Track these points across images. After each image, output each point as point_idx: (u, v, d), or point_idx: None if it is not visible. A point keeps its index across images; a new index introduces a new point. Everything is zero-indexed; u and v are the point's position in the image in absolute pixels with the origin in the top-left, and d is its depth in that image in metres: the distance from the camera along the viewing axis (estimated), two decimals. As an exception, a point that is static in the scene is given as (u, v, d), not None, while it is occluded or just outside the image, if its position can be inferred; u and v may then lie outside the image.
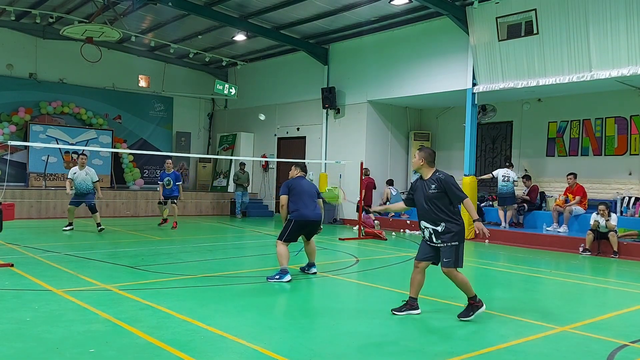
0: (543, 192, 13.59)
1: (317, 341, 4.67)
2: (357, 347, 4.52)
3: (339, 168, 15.62)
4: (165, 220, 13.26)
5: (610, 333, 5.10)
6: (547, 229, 12.38)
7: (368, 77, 15.45)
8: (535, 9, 11.43)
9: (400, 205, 6.09)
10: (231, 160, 18.86)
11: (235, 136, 19.55)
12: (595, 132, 13.21)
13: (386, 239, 12.22)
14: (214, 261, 9.05)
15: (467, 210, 5.39)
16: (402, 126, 16.64)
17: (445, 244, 5.27)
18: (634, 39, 10.21)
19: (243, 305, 5.79)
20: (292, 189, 7.34)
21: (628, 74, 10.42)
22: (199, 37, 16.57)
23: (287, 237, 7.26)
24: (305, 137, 17.45)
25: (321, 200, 7.58)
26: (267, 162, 18.50)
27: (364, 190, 14.30)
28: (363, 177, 14.26)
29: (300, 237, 7.51)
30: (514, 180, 12.89)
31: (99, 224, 11.61)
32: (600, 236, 10.63)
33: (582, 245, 10.86)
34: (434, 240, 5.33)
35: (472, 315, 5.29)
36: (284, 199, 7.35)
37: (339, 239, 12.15)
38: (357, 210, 14.53)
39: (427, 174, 5.43)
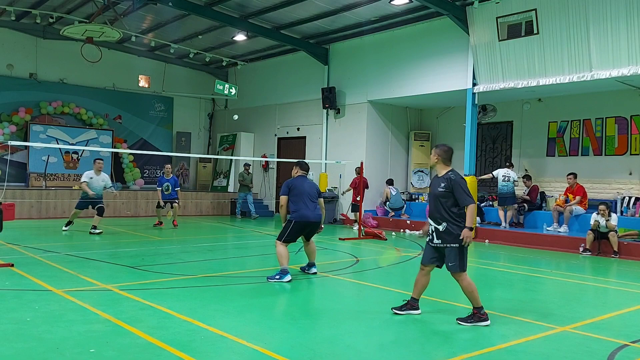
0: (543, 192, 13.59)
1: (317, 341, 4.67)
2: (357, 347, 4.51)
3: (339, 168, 15.62)
4: (160, 223, 13.33)
5: (611, 333, 5.10)
6: (548, 229, 12.38)
7: (368, 77, 15.45)
8: (535, 9, 11.43)
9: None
10: (231, 160, 18.87)
11: (235, 136, 19.55)
12: (595, 132, 13.21)
13: (386, 239, 12.22)
14: (215, 261, 9.05)
15: (467, 215, 5.24)
16: (403, 126, 16.64)
17: (445, 245, 5.24)
18: (634, 38, 10.21)
19: (243, 306, 5.79)
20: (293, 189, 7.32)
21: (628, 74, 10.42)
22: (199, 37, 16.58)
23: (287, 237, 7.26)
24: (305, 137, 17.45)
25: (322, 199, 7.58)
26: (267, 162, 18.50)
27: (353, 189, 14.55)
28: (355, 176, 14.50)
29: (300, 237, 7.51)
30: (514, 180, 12.89)
31: (95, 227, 11.54)
32: (601, 236, 10.63)
33: (583, 245, 10.86)
34: (435, 239, 5.32)
35: (471, 323, 5.21)
36: (283, 199, 7.34)
37: (339, 238, 12.15)
38: (353, 210, 14.67)
39: (441, 171, 5.41)
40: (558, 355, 4.44)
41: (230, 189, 19.12)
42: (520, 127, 14.67)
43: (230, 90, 17.71)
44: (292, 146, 17.88)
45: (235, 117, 15.36)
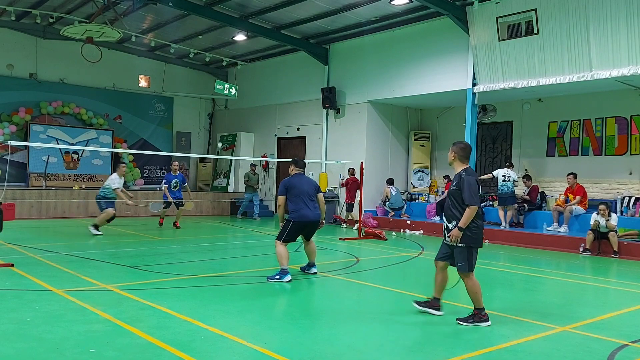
0: (543, 192, 13.59)
1: (317, 341, 4.67)
2: (358, 347, 4.52)
3: (339, 168, 15.62)
4: (162, 219, 13.32)
5: (611, 333, 5.11)
6: (548, 228, 12.38)
7: (368, 77, 15.45)
8: (535, 9, 11.43)
9: None
10: (231, 160, 18.87)
11: (235, 136, 19.55)
12: (595, 132, 13.21)
13: (386, 239, 12.22)
14: (215, 261, 9.05)
15: (464, 214, 5.18)
16: (403, 126, 16.64)
17: (455, 245, 5.23)
18: (634, 38, 10.21)
19: (244, 305, 5.79)
20: (290, 189, 7.29)
21: (628, 74, 10.42)
22: (199, 37, 16.58)
23: (286, 237, 7.25)
24: (305, 137, 17.45)
25: (321, 195, 7.54)
26: (267, 162, 18.50)
27: (344, 188, 14.78)
28: (348, 177, 14.77)
29: (300, 237, 7.51)
30: (514, 180, 12.89)
31: (97, 226, 11.48)
32: (601, 236, 10.64)
33: (583, 245, 10.86)
34: (446, 237, 5.35)
35: (471, 323, 5.20)
36: (281, 199, 7.31)
37: (339, 238, 12.15)
38: (347, 210, 14.80)
39: (457, 169, 5.42)
40: (558, 355, 4.44)
41: (230, 189, 19.12)
42: (520, 127, 14.67)
43: (230, 90, 17.72)
44: (292, 146, 17.88)
45: (220, 145, 14.57)
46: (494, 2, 12.03)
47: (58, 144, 16.71)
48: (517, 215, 13.15)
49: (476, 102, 13.15)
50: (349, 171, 14.97)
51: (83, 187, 16.80)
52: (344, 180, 15.11)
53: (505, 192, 12.86)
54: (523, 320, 5.48)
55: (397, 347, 4.54)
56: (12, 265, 7.36)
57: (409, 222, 14.43)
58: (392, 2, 13.04)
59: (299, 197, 7.24)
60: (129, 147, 18.30)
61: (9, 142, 9.63)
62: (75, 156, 17.31)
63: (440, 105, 16.00)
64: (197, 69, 20.19)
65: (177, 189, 13.05)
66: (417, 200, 16.12)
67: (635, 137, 12.56)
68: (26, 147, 16.06)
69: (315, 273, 7.60)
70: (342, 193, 15.70)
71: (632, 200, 11.91)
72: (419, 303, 5.63)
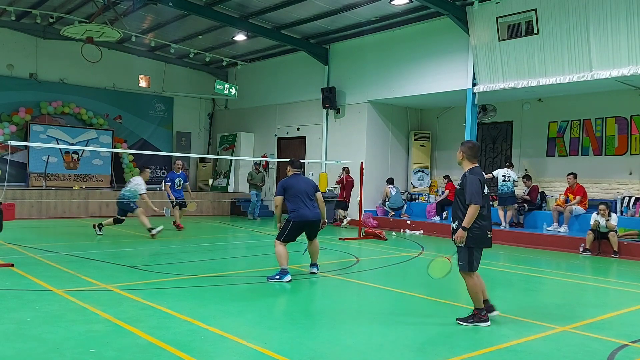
0: (543, 192, 13.59)
1: (317, 341, 4.67)
2: (358, 347, 4.52)
3: (339, 168, 15.62)
4: (177, 222, 13.11)
5: (611, 333, 5.11)
6: (548, 228, 12.38)
7: (368, 77, 15.45)
8: (535, 9, 11.44)
9: None
10: (231, 160, 18.87)
11: (235, 136, 19.55)
12: (595, 132, 13.21)
13: (386, 239, 12.22)
14: (215, 261, 9.06)
15: (465, 215, 5.18)
16: (403, 126, 16.64)
17: (460, 244, 5.21)
18: (634, 38, 10.21)
19: (244, 305, 5.79)
20: (288, 189, 7.29)
21: (628, 74, 10.42)
22: (200, 37, 16.58)
23: (286, 237, 7.25)
24: (305, 137, 17.45)
25: (320, 194, 7.53)
26: (267, 162, 18.50)
27: (339, 186, 14.92)
28: (342, 175, 14.93)
29: (299, 236, 7.50)
30: (514, 180, 12.89)
31: (102, 227, 11.48)
32: (601, 236, 10.64)
33: (583, 245, 10.86)
34: (452, 236, 5.33)
35: (471, 323, 5.19)
36: (278, 199, 7.32)
37: (339, 238, 12.15)
38: (337, 207, 14.92)
39: (466, 168, 5.41)
40: (558, 355, 4.44)
41: (230, 189, 19.12)
42: (520, 127, 14.67)
43: (230, 90, 17.73)
44: (292, 146, 17.88)
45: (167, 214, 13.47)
46: (494, 2, 12.03)
47: (58, 144, 16.71)
48: (517, 215, 13.16)
49: (476, 102, 13.15)
50: (343, 170, 15.10)
51: (83, 187, 16.81)
52: (339, 178, 15.23)
53: (505, 192, 12.86)
54: (523, 320, 5.48)
55: (397, 347, 4.54)
56: (12, 265, 7.36)
57: (409, 222, 14.44)
58: (392, 2, 13.05)
59: (297, 197, 7.24)
60: (129, 147, 18.30)
61: (9, 142, 9.63)
62: (75, 156, 17.32)
63: (440, 105, 16.00)
64: (197, 69, 20.19)
65: (180, 187, 13.01)
66: (417, 200, 16.12)
67: (635, 137, 12.56)
68: (26, 147, 16.06)
69: (315, 273, 7.60)
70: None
71: (632, 200, 11.91)
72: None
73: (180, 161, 13.69)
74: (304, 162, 16.24)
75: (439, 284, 6.35)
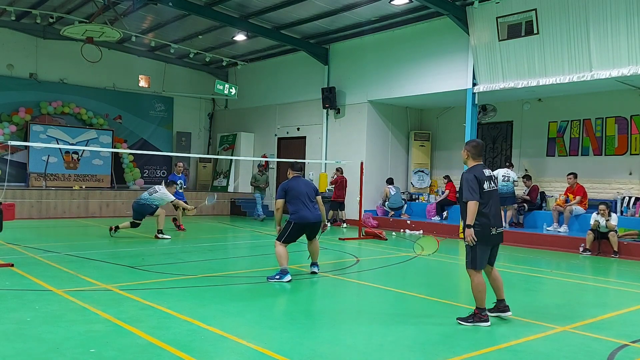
0: (543, 192, 13.59)
1: (317, 341, 4.67)
2: (358, 347, 4.52)
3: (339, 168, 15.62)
4: (180, 225, 13.05)
5: (611, 333, 5.11)
6: (548, 228, 12.38)
7: (368, 77, 15.45)
8: (535, 9, 11.44)
9: None
10: (231, 160, 18.86)
11: (235, 136, 19.56)
12: (595, 132, 13.21)
13: (386, 239, 12.22)
14: (215, 261, 9.06)
15: (467, 213, 5.21)
16: (403, 126, 16.64)
17: (470, 244, 5.22)
18: (634, 38, 10.21)
19: (244, 306, 5.79)
20: (289, 192, 7.32)
21: (628, 74, 10.42)
22: (199, 37, 16.58)
23: (286, 238, 7.26)
24: (305, 137, 17.45)
25: (320, 197, 7.56)
26: (267, 162, 18.50)
27: (332, 186, 14.94)
28: (336, 176, 14.99)
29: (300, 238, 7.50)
30: (514, 180, 12.88)
31: (117, 229, 11.34)
32: (601, 236, 10.63)
33: (583, 245, 10.86)
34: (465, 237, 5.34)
35: (471, 323, 5.19)
36: (279, 202, 7.35)
37: (339, 239, 12.15)
38: (332, 208, 14.97)
39: (469, 167, 5.44)
40: (558, 355, 4.44)
41: (230, 189, 19.11)
42: (520, 127, 14.66)
43: (230, 90, 17.73)
44: (292, 146, 17.88)
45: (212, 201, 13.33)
46: (494, 2, 12.03)
47: (58, 144, 16.71)
48: (517, 215, 13.15)
49: (476, 102, 13.15)
50: (337, 170, 15.16)
51: (83, 187, 16.81)
52: (333, 179, 15.25)
53: (505, 192, 12.84)
54: (523, 320, 5.48)
55: (397, 347, 4.54)
56: (12, 265, 7.36)
57: (409, 222, 14.44)
58: (392, 2, 13.05)
59: (297, 199, 7.27)
60: (129, 147, 18.30)
61: (9, 142, 9.62)
62: (75, 156, 17.32)
63: (440, 105, 16.00)
64: (197, 69, 20.19)
65: (181, 190, 13.01)
66: (417, 200, 16.12)
67: (635, 137, 12.56)
68: (26, 147, 16.06)
69: (315, 273, 7.60)
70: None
71: (632, 200, 11.91)
72: (490, 310, 5.48)
73: (181, 163, 13.69)
74: (304, 163, 16.24)
75: (439, 284, 6.35)
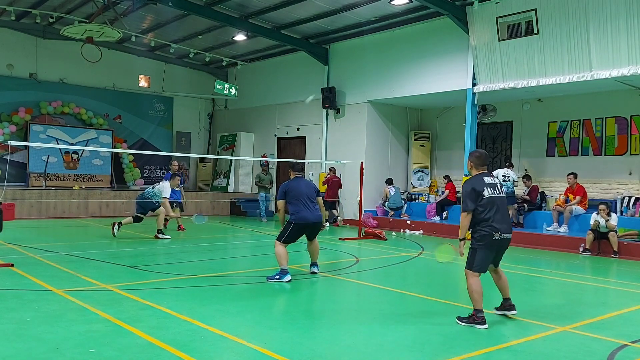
0: (543, 192, 13.59)
1: (317, 341, 4.67)
2: (358, 347, 4.52)
3: (339, 168, 15.63)
4: (180, 226, 13.03)
5: (611, 333, 5.11)
6: (547, 229, 12.38)
7: (368, 77, 15.45)
8: (535, 9, 11.44)
9: None
10: (231, 160, 18.86)
11: (235, 136, 19.56)
12: (595, 132, 13.21)
13: (386, 239, 12.22)
14: (214, 261, 9.06)
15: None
16: (402, 126, 16.64)
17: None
18: (634, 38, 10.21)
19: (243, 305, 5.79)
20: (289, 192, 7.32)
21: (628, 74, 10.42)
22: (199, 37, 16.58)
23: (286, 238, 7.25)
24: (305, 137, 17.45)
25: (320, 199, 7.57)
26: (267, 162, 18.49)
27: (326, 186, 14.97)
28: (328, 175, 15.15)
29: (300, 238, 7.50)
30: (514, 180, 12.88)
31: (121, 225, 11.31)
32: (601, 236, 10.63)
33: (582, 245, 10.86)
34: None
35: (465, 323, 5.19)
36: (280, 203, 7.36)
37: (339, 239, 12.15)
38: (328, 208, 15.05)
39: None
40: (558, 355, 4.44)
41: (230, 189, 19.12)
42: (520, 127, 14.66)
43: (230, 90, 17.73)
44: (292, 146, 17.88)
45: (310, 98, 12.87)
46: (494, 2, 12.03)
47: (58, 144, 16.71)
48: (517, 215, 13.15)
49: (476, 102, 13.15)
50: (330, 170, 15.22)
51: (83, 187, 16.81)
52: (326, 179, 15.28)
53: (505, 192, 12.84)
54: (523, 320, 5.48)
55: (397, 347, 4.54)
56: (12, 265, 7.36)
57: (408, 222, 14.43)
58: (392, 2, 13.05)
59: (298, 199, 7.27)
60: (129, 147, 18.30)
61: (9, 142, 9.62)
62: (75, 156, 17.32)
63: (440, 105, 15.99)
64: (197, 69, 20.19)
65: (178, 189, 12.94)
66: (417, 200, 16.12)
67: (635, 137, 12.56)
68: (26, 147, 16.06)
69: (315, 273, 7.60)
70: (342, 194, 15.77)
71: (632, 200, 11.91)
72: (496, 309, 5.56)
73: (176, 162, 13.67)
74: (304, 163, 16.23)
75: (439, 284, 6.35)
